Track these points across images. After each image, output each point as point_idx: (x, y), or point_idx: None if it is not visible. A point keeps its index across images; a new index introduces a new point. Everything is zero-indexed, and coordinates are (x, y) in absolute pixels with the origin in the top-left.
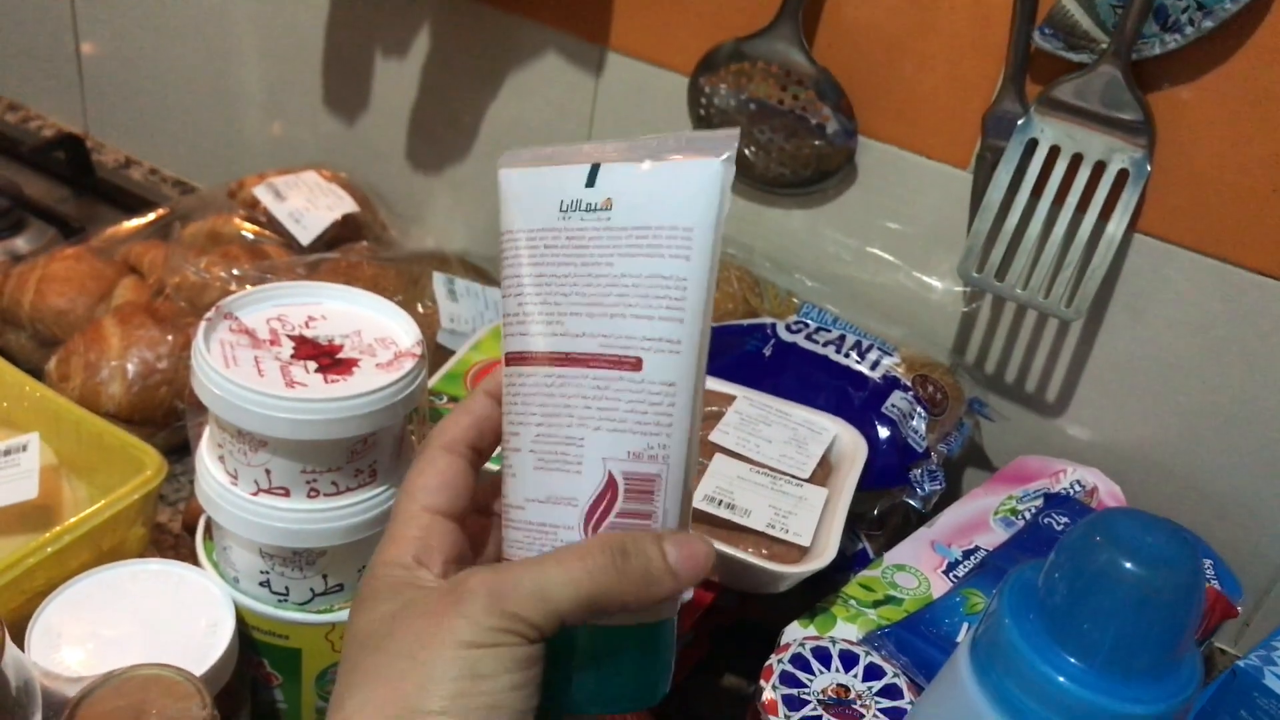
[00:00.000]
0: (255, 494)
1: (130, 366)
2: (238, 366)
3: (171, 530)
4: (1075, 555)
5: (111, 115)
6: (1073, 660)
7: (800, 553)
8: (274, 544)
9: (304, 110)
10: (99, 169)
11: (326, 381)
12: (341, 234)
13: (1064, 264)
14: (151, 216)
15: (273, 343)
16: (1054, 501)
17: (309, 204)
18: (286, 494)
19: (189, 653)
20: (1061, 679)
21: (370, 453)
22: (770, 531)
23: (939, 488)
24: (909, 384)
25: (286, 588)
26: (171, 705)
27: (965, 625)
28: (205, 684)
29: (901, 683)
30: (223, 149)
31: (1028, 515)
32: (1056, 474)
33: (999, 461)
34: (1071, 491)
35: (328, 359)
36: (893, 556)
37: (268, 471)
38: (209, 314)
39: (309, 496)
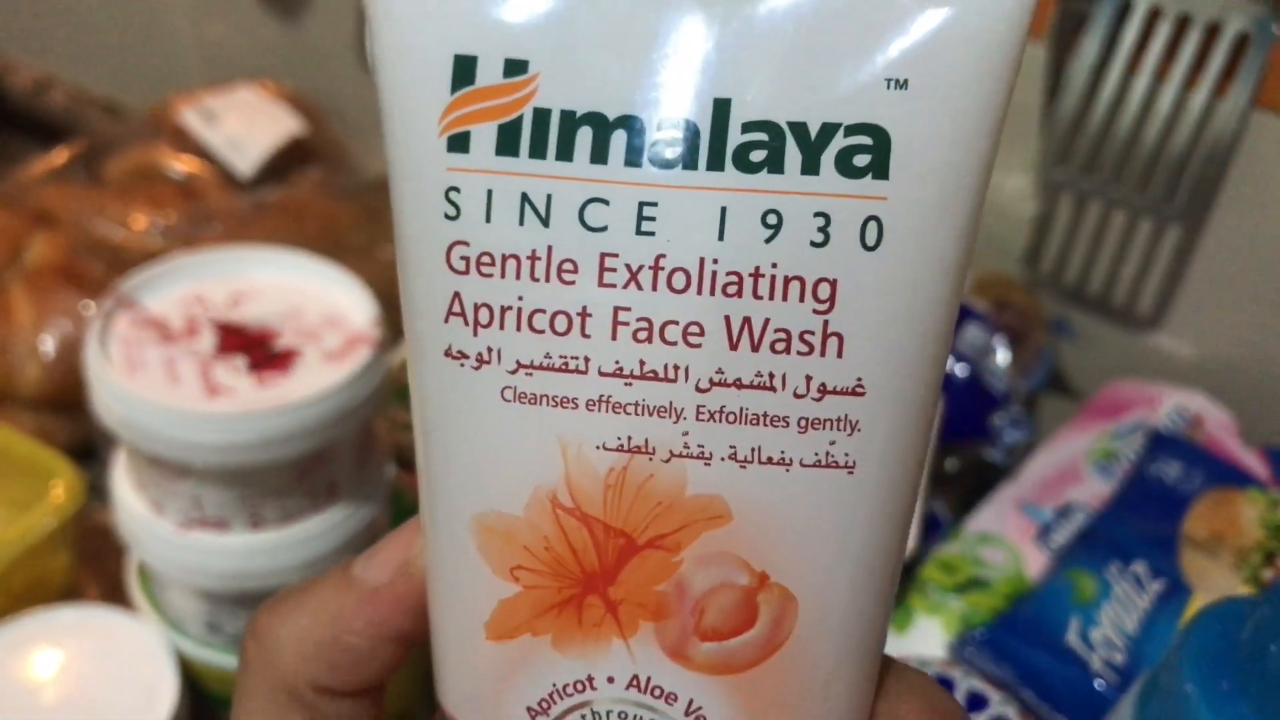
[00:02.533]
0: (185, 527)
1: (48, 342)
2: (145, 373)
3: (114, 535)
4: None
5: (23, 29)
6: None
7: None
8: (215, 586)
9: (238, 12)
10: (10, 93)
11: (260, 384)
12: (289, 159)
13: (1166, 151)
14: (65, 154)
15: (189, 334)
16: (1159, 444)
17: (247, 127)
18: (224, 526)
19: (124, 712)
20: None
21: (324, 468)
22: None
23: (1024, 436)
24: (984, 311)
25: (241, 630)
26: None
27: (1074, 619)
28: None
29: (1011, 712)
30: (151, 61)
31: (1128, 458)
32: (1153, 400)
33: (1085, 389)
34: (1173, 422)
35: (260, 352)
36: (975, 525)
37: (198, 501)
38: (105, 301)
39: (252, 527)
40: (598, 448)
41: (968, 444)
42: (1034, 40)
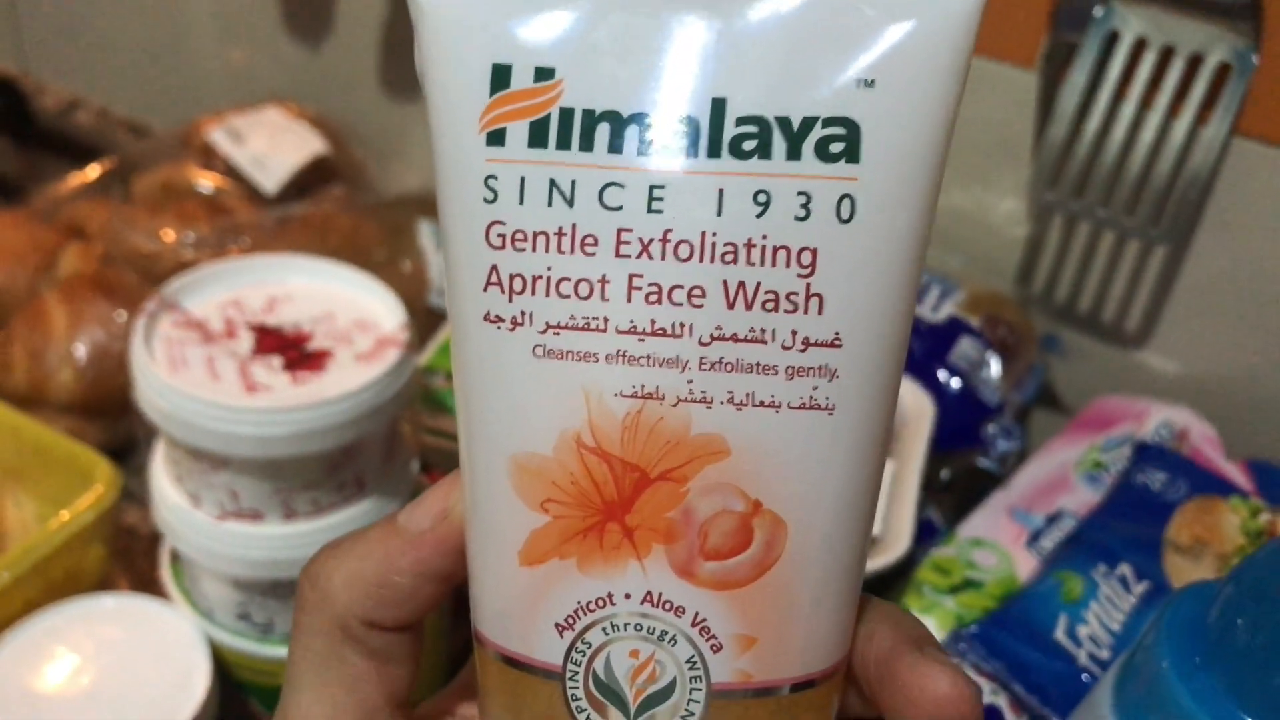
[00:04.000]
0: (221, 518)
1: (80, 350)
2: (187, 370)
3: (142, 534)
4: (1265, 590)
5: (52, 53)
6: None
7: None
8: (249, 575)
9: (263, 35)
10: (40, 115)
11: (295, 381)
12: (312, 178)
13: (1152, 176)
14: (97, 170)
15: (228, 335)
16: (1145, 454)
17: (272, 146)
18: (258, 517)
19: (159, 710)
20: None
21: (353, 463)
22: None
23: (1016, 445)
24: (977, 326)
25: (270, 620)
26: None
27: (1062, 616)
28: None
29: (1002, 702)
30: (178, 84)
31: (1115, 468)
32: (1141, 415)
33: (1074, 404)
34: (1159, 435)
35: (295, 352)
36: (968, 529)
37: (234, 493)
38: (150, 304)
39: (285, 519)
40: (616, 395)
41: (961, 452)
42: (1025, 69)
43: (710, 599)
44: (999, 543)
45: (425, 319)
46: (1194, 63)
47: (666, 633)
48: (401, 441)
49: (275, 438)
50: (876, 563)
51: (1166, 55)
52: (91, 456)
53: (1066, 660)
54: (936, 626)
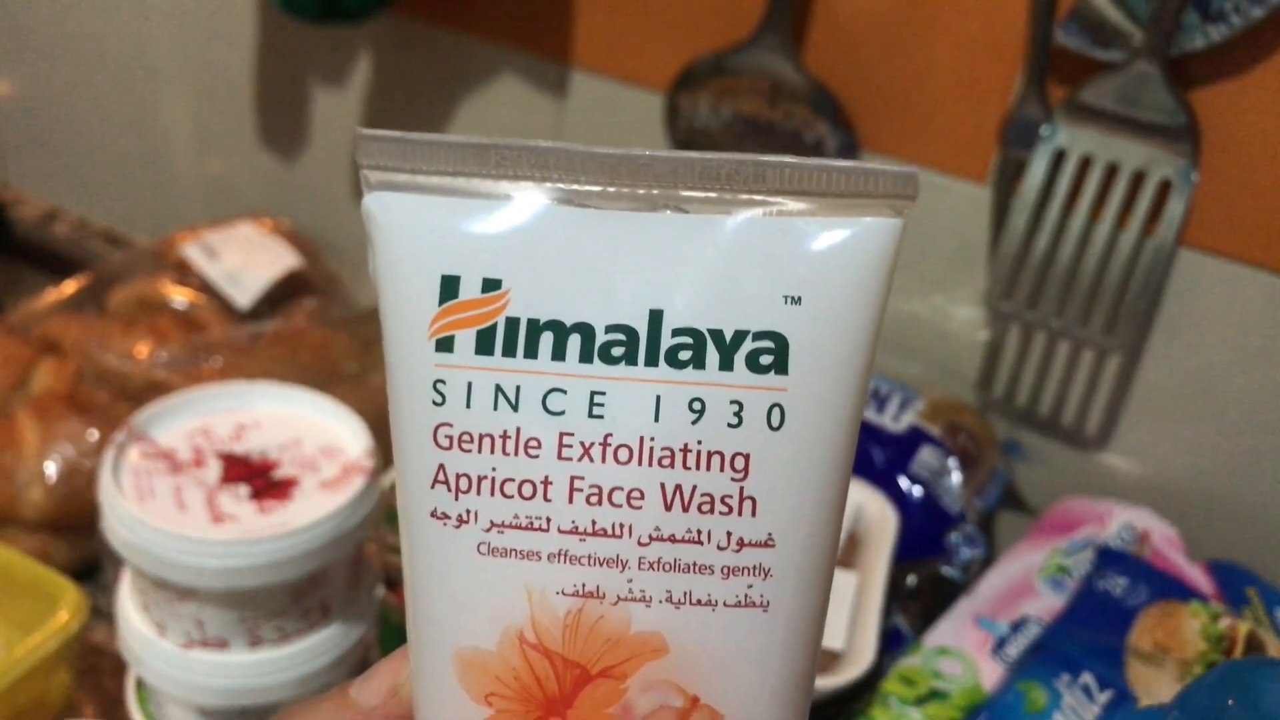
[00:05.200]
0: (187, 647)
1: (51, 467)
2: (154, 500)
3: (109, 651)
4: (1209, 716)
5: (30, 163)
6: None
7: (832, 659)
8: (215, 703)
9: (239, 150)
10: (18, 225)
11: (261, 510)
12: (285, 291)
13: (1102, 286)
14: (73, 286)
15: (196, 464)
16: (1107, 559)
17: (246, 262)
18: (224, 646)
19: None
20: None
21: (319, 589)
22: None
23: (979, 553)
24: (937, 435)
25: None
26: None
27: None
28: None
29: None
30: (155, 194)
31: (1078, 572)
32: (1103, 517)
33: (1038, 506)
34: (1121, 538)
35: (262, 480)
36: (933, 639)
37: (200, 622)
38: (119, 434)
39: (251, 647)
40: (557, 593)
41: (926, 561)
42: (979, 184)
43: None
44: (964, 651)
45: None
46: (1138, 178)
47: None
48: (367, 564)
49: (241, 569)
50: (841, 678)
51: (1111, 172)
52: (58, 581)
53: None
54: None
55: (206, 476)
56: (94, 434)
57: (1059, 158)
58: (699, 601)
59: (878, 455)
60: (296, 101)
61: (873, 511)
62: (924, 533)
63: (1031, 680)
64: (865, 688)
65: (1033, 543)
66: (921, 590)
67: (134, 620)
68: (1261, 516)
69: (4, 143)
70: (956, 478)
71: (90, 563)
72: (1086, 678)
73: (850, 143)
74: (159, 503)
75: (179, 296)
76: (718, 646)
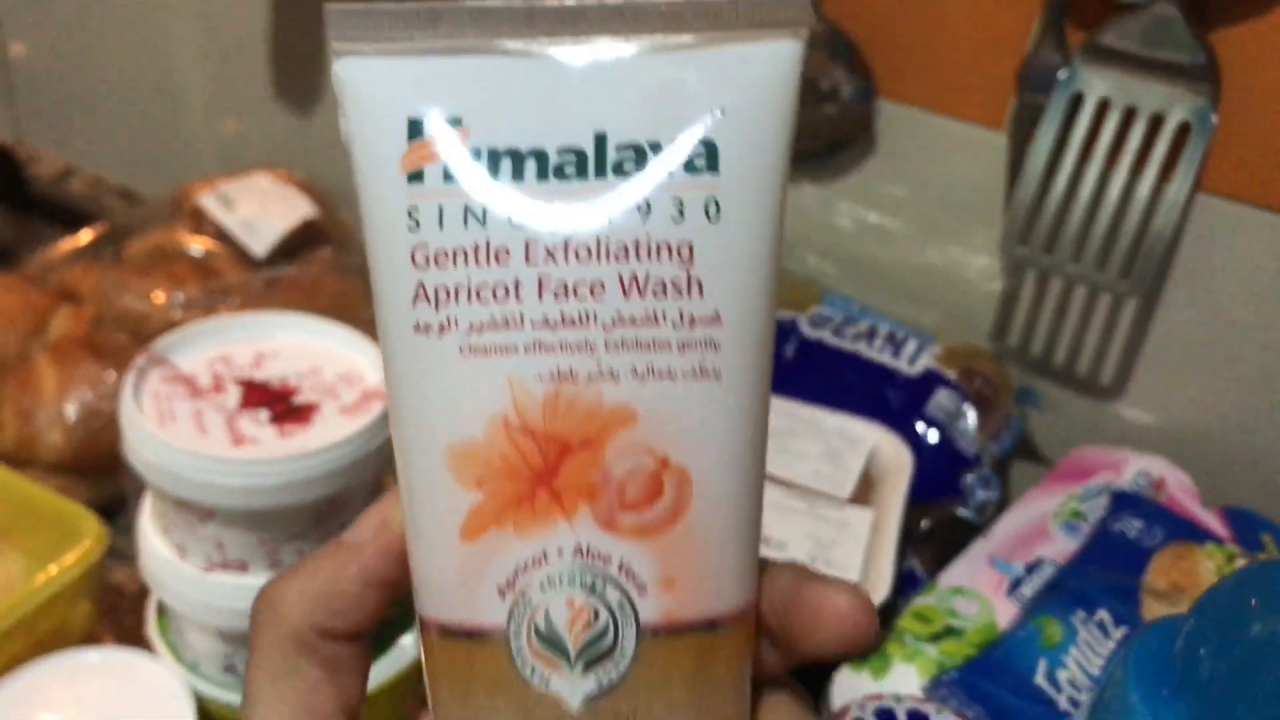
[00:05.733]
0: (208, 570)
1: (70, 410)
2: (175, 424)
3: (128, 591)
4: (1226, 621)
5: (47, 122)
6: None
7: None
8: (234, 626)
9: (253, 107)
10: (34, 182)
11: (282, 434)
12: (301, 241)
13: (1119, 232)
14: (89, 234)
15: (216, 390)
16: (1122, 501)
17: (262, 211)
18: (244, 568)
19: None
20: None
21: (339, 514)
22: (811, 567)
23: (994, 495)
24: (953, 379)
25: None
26: None
27: (1042, 661)
28: None
29: None
30: (169, 152)
31: (1093, 517)
32: (1118, 465)
33: (1052, 455)
34: (1136, 485)
35: (282, 406)
36: (948, 578)
37: (220, 544)
38: (139, 360)
39: (271, 569)
40: (536, 379)
41: (940, 503)
42: (996, 130)
43: (632, 547)
44: (979, 591)
45: None
46: (1156, 122)
47: (597, 580)
48: (386, 491)
49: (261, 488)
50: None
51: (1129, 116)
52: (78, 512)
53: (1047, 705)
54: (918, 673)
55: (226, 402)
56: (112, 376)
57: (1076, 102)
58: (661, 374)
59: (893, 398)
60: (310, 58)
61: (888, 452)
62: (939, 475)
63: (1047, 616)
64: (882, 624)
65: (1047, 488)
66: (935, 534)
67: (155, 544)
68: (1277, 465)
69: (21, 101)
70: (972, 420)
71: (110, 506)
72: (1102, 614)
73: (867, 89)
74: (179, 425)
75: (195, 245)
76: (680, 413)
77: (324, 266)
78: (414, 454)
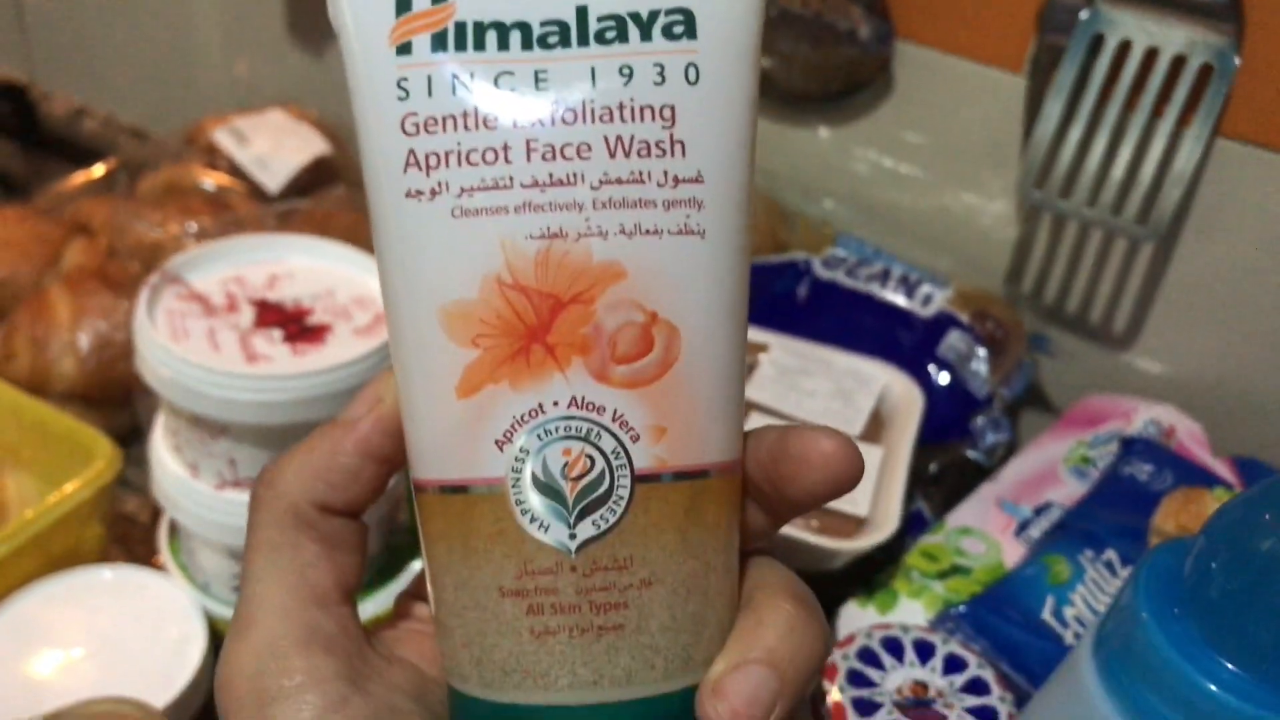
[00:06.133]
0: (219, 488)
1: (83, 339)
2: (188, 340)
3: (140, 521)
4: (1237, 538)
5: (59, 61)
6: (1232, 667)
7: (856, 525)
8: None
9: (267, 44)
10: (47, 120)
11: (295, 353)
12: (314, 178)
13: (1137, 177)
14: (102, 169)
15: (229, 309)
16: (1132, 447)
17: (275, 147)
18: None
19: (153, 677)
20: (1217, 689)
21: None
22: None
23: (1004, 437)
24: (966, 321)
25: None
26: None
27: (1049, 598)
28: (172, 713)
29: (988, 675)
30: (182, 92)
31: (1103, 463)
32: (1128, 413)
33: (1062, 403)
34: (1146, 432)
35: (295, 326)
36: (956, 519)
37: (232, 461)
38: (152, 278)
39: None
40: (527, 238)
41: (950, 445)
42: (1013, 72)
43: (624, 396)
44: (987, 531)
45: None
46: (1177, 65)
47: (592, 429)
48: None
49: (274, 404)
50: (864, 542)
51: (1150, 57)
52: (91, 434)
53: (1053, 640)
54: (924, 609)
55: (240, 321)
56: (125, 307)
57: (1097, 43)
58: (647, 231)
59: (905, 339)
60: None
61: (899, 391)
62: (949, 416)
63: (1055, 554)
64: (887, 561)
65: (1058, 434)
66: (944, 476)
67: (167, 462)
68: None
69: (34, 40)
70: (983, 363)
71: (123, 436)
72: (1110, 554)
73: (886, 30)
74: (193, 342)
75: (208, 180)
76: (668, 269)
77: (337, 203)
78: (409, 317)
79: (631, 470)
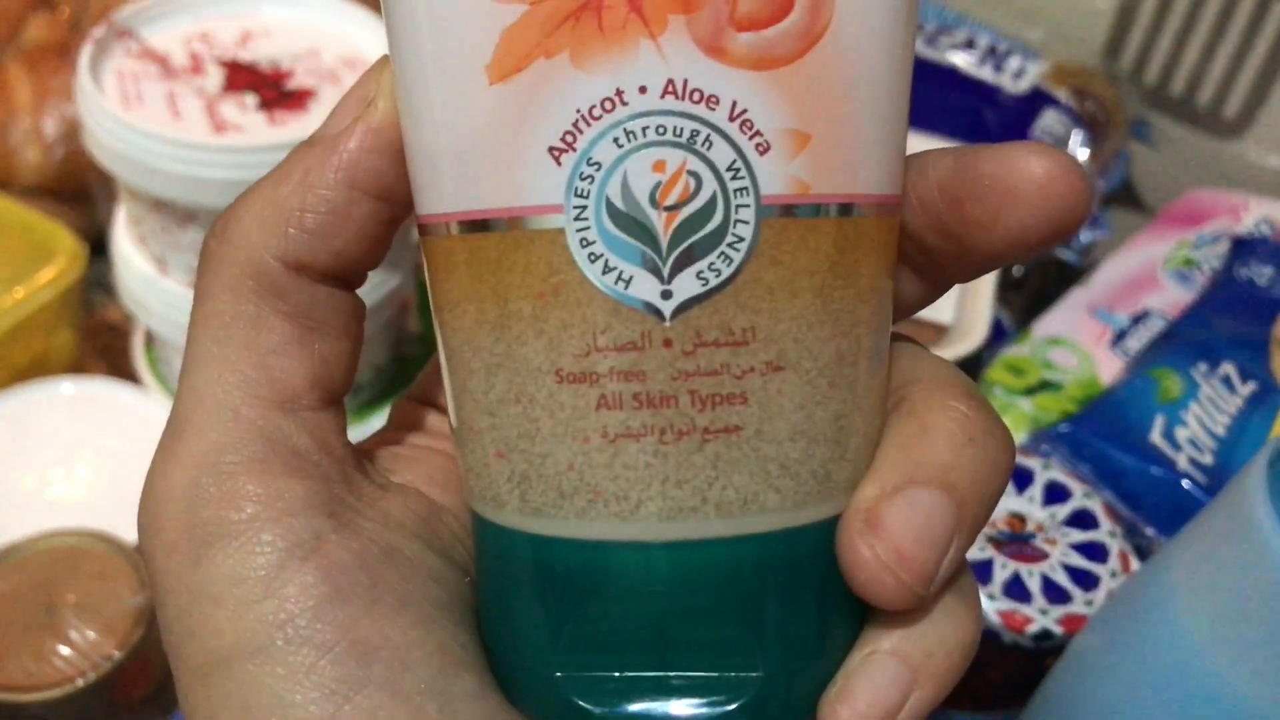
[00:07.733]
0: (191, 285)
1: (49, 124)
2: (142, 106)
3: (124, 331)
4: None
5: None
6: None
7: (938, 333)
8: None
9: None
10: None
11: (272, 122)
12: None
13: None
14: None
15: (193, 71)
16: (1245, 248)
17: None
18: None
19: (126, 506)
20: None
21: None
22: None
23: (1103, 235)
24: (1063, 99)
25: None
26: (93, 587)
27: (1159, 417)
28: None
29: (1095, 506)
30: None
31: (1209, 266)
32: (1237, 210)
33: (1154, 201)
34: (1259, 232)
35: (273, 91)
36: (1043, 328)
37: None
38: (96, 30)
39: None
40: None
41: None
42: None
43: (749, 82)
44: (1079, 342)
45: None
46: None
47: (698, 132)
48: None
49: (250, 182)
50: (948, 353)
51: None
52: (51, 228)
53: (1165, 465)
54: (1011, 429)
55: (206, 84)
56: None
57: None
58: None
59: (992, 118)
60: None
61: None
62: None
63: (1164, 368)
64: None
65: (1156, 233)
66: (1028, 280)
67: (132, 259)
68: None
69: None
70: (1082, 148)
71: (100, 237)
72: (1227, 367)
73: None
74: (149, 109)
75: None
76: None
77: None
78: None
79: (757, 197)
